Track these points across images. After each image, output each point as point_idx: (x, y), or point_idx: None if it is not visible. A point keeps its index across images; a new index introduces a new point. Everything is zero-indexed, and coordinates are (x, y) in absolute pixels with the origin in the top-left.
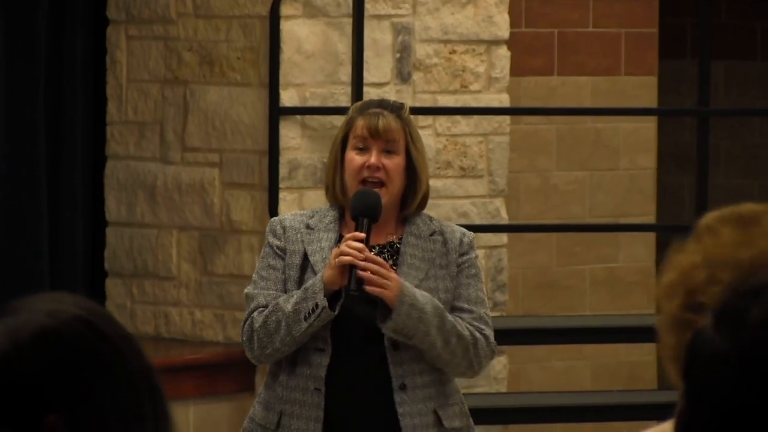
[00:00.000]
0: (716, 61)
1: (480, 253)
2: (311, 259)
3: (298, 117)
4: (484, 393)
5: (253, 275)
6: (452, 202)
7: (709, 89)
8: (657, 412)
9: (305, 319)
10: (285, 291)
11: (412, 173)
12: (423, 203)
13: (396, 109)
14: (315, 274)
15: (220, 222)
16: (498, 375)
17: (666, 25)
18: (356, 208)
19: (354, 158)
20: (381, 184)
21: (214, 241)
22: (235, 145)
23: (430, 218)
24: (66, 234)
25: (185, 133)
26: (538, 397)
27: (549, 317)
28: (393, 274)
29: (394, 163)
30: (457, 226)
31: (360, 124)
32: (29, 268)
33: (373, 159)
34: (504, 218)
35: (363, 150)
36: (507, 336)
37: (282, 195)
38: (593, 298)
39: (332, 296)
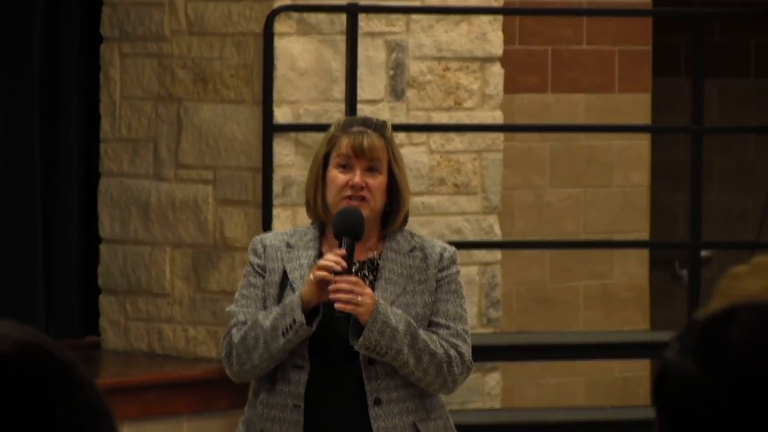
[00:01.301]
0: (710, 78)
1: (473, 269)
2: (290, 276)
3: (292, 134)
4: (478, 409)
5: (236, 294)
6: (446, 219)
7: (703, 106)
8: (651, 428)
9: (283, 335)
10: (264, 309)
11: (395, 191)
12: (405, 220)
13: (379, 127)
14: (294, 291)
15: (214, 239)
16: (492, 391)
17: (660, 42)
18: (339, 227)
19: (337, 176)
20: (363, 201)
21: (208, 258)
22: (228, 162)
23: (412, 234)
24: (60, 251)
25: (179, 150)
26: (532, 414)
27: (543, 333)
28: (368, 291)
29: (377, 181)
30: (439, 242)
31: (344, 142)
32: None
33: (357, 178)
34: (498, 235)
35: (346, 168)
36: (500, 352)
37: (276, 212)
38: (587, 315)
39: (310, 313)
